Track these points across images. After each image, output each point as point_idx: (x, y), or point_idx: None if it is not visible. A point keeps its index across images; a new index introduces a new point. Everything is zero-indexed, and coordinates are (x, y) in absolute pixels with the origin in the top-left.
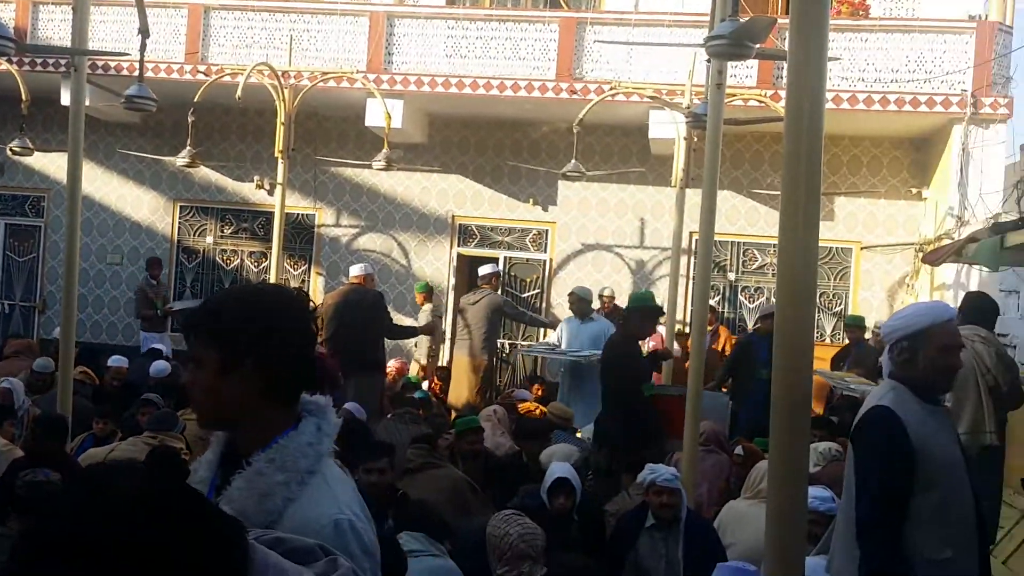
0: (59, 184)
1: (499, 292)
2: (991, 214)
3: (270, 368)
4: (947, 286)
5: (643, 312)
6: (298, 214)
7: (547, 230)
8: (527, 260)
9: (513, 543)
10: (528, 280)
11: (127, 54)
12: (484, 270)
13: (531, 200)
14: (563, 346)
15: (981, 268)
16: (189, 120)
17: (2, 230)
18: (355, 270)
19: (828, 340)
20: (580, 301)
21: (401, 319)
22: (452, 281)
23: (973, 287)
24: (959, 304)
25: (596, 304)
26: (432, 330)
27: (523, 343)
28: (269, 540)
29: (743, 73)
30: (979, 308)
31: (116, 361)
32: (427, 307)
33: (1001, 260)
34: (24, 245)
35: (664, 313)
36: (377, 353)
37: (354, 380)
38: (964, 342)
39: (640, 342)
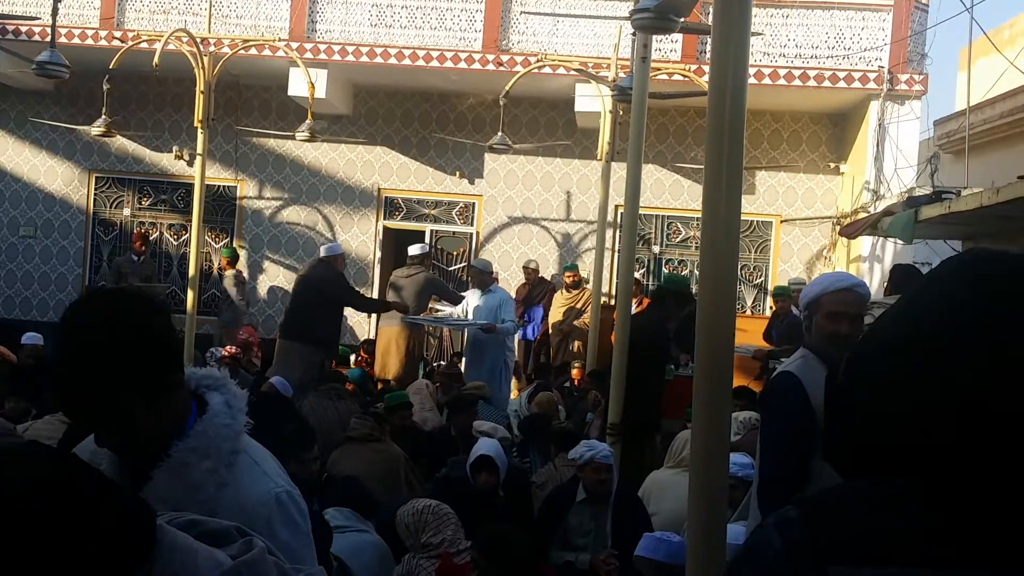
0: None
1: (430, 270)
2: (905, 188)
3: (162, 378)
4: (863, 258)
5: (678, 297)
6: (219, 186)
7: (473, 203)
8: (453, 233)
9: (434, 509)
10: (455, 253)
11: (38, 19)
12: (415, 250)
13: (457, 173)
14: (470, 318)
15: (896, 241)
16: (104, 88)
17: None
18: (323, 250)
19: (749, 312)
20: (480, 274)
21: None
22: (378, 254)
23: (888, 260)
24: (887, 276)
25: (503, 275)
26: (406, 308)
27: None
28: (182, 523)
29: (668, 47)
30: (908, 279)
31: (30, 339)
32: (230, 273)
33: (915, 233)
34: None
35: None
36: (326, 329)
37: (298, 351)
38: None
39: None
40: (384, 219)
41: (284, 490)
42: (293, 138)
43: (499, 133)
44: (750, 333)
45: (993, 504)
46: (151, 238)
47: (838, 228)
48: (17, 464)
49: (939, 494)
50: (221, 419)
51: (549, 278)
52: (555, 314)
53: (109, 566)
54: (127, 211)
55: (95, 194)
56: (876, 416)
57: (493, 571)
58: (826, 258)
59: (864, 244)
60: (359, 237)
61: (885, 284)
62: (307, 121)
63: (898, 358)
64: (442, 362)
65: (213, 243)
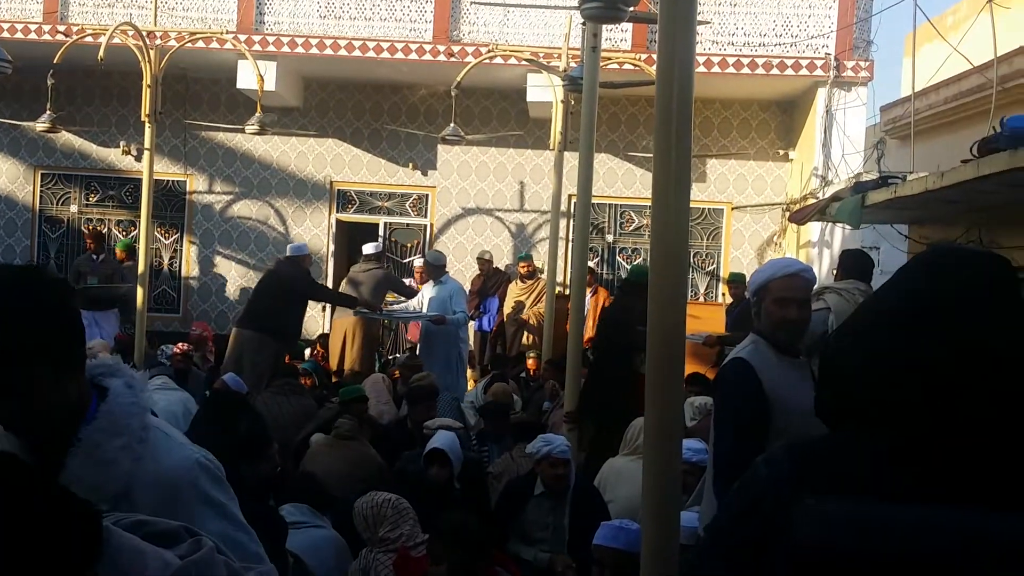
0: None
1: (385, 266)
2: (853, 174)
3: (67, 351)
4: (812, 244)
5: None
6: (168, 181)
7: (427, 195)
8: (407, 225)
9: (393, 503)
10: (409, 245)
11: None
12: (369, 249)
13: (410, 164)
14: (424, 311)
15: (844, 226)
16: (49, 83)
17: None
18: (290, 250)
19: (702, 298)
20: (430, 266)
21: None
22: (331, 248)
23: (837, 245)
24: (836, 261)
25: (458, 266)
26: (374, 307)
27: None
28: (129, 523)
29: (618, 37)
30: (857, 263)
31: None
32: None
33: (863, 218)
34: None
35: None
36: (287, 322)
37: (257, 340)
38: (846, 295)
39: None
40: (337, 212)
41: (201, 455)
42: (243, 131)
43: (452, 124)
44: (703, 320)
45: (945, 449)
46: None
47: (788, 214)
48: None
49: (903, 442)
50: (125, 399)
51: (504, 268)
52: (510, 304)
53: (56, 568)
54: (74, 208)
55: (41, 191)
56: (856, 381)
57: (451, 558)
58: (776, 244)
59: (813, 230)
60: (312, 230)
61: (835, 269)
62: (257, 114)
63: (873, 334)
64: (398, 355)
65: (163, 239)
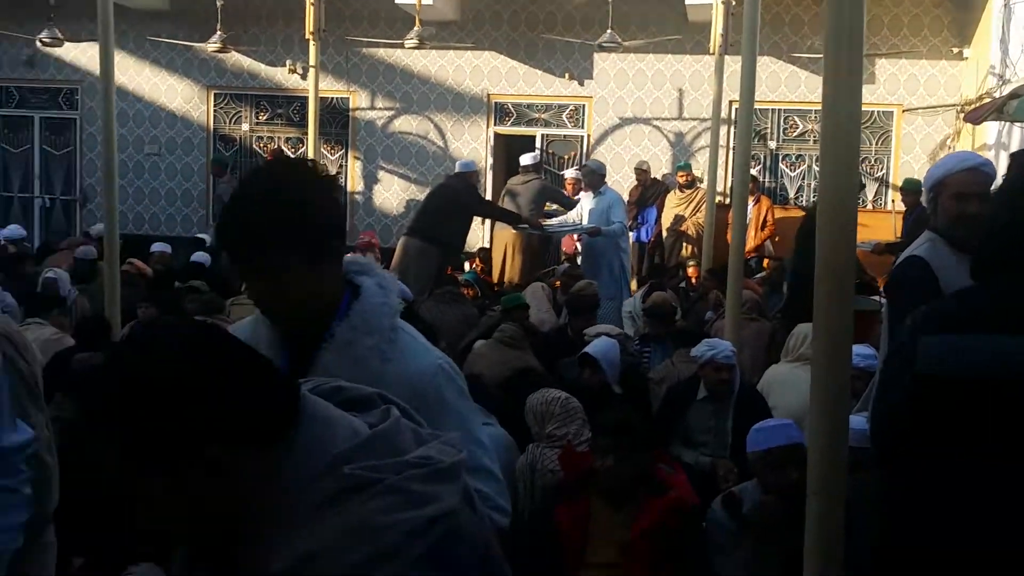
0: (91, 75)
1: (543, 177)
2: None
3: (321, 242)
4: (988, 146)
5: None
6: (332, 98)
7: (583, 105)
8: (564, 137)
9: (563, 402)
10: (566, 157)
11: None
12: (527, 159)
13: (567, 75)
14: (584, 222)
15: (1023, 125)
16: (218, 4)
17: (37, 124)
18: (459, 166)
19: (870, 206)
20: (592, 174)
21: None
22: (490, 161)
23: (1015, 145)
24: (1008, 164)
25: (615, 177)
26: (535, 224)
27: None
28: (327, 389)
29: None
30: None
31: (159, 247)
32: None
33: None
34: (60, 138)
35: None
36: (453, 233)
37: (422, 250)
38: None
39: None
40: (495, 125)
41: (445, 361)
42: (402, 46)
43: (608, 31)
44: (871, 228)
45: None
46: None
47: (962, 115)
48: (169, 332)
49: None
50: (377, 298)
51: (661, 178)
52: (668, 215)
53: (255, 433)
54: (246, 126)
55: (214, 110)
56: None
57: (617, 452)
58: (950, 148)
59: (990, 131)
60: (470, 144)
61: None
62: (415, 28)
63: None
64: (559, 265)
65: (329, 155)
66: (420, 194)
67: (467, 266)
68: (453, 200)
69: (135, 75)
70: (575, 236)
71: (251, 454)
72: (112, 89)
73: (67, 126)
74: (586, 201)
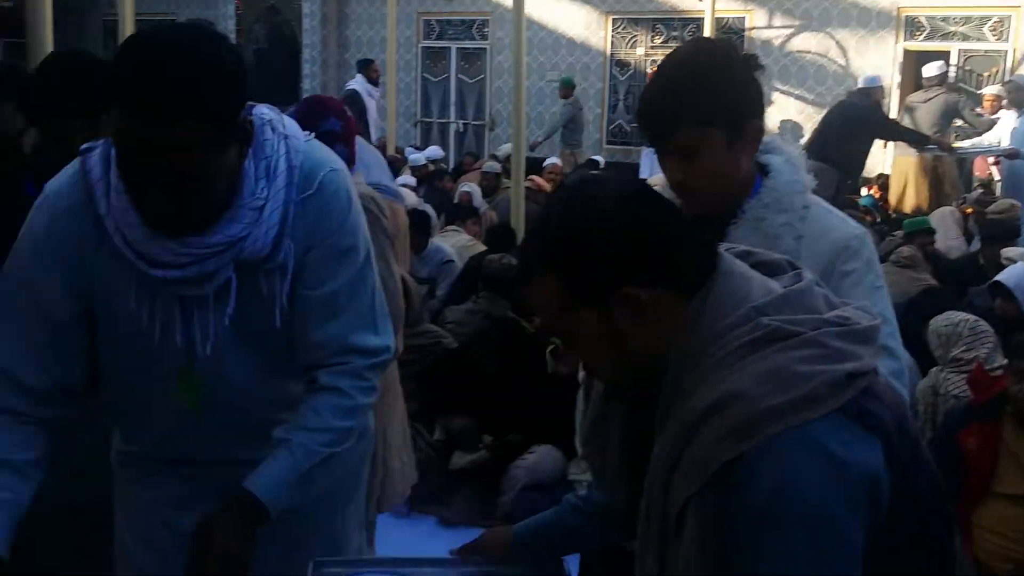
0: (500, 7)
1: (950, 93)
2: None
3: (740, 123)
4: None
5: None
6: (728, 18)
7: (1009, 16)
8: (984, 52)
9: (971, 324)
10: (985, 75)
11: None
12: (930, 70)
13: None
14: (1003, 145)
15: None
16: None
17: (454, 54)
18: (862, 81)
19: None
20: (1018, 90)
21: None
22: (898, 79)
23: None
24: None
25: None
26: (944, 144)
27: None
28: (739, 252)
29: None
30: None
31: (552, 161)
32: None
33: None
34: (473, 67)
35: None
36: (847, 153)
37: (816, 169)
38: None
39: None
40: (904, 40)
41: (862, 231)
42: None
43: None
44: None
45: None
46: None
47: None
48: (605, 185)
49: None
50: (787, 176)
51: None
52: None
53: (677, 279)
54: (641, 50)
55: (612, 35)
56: None
57: None
58: None
59: None
60: (875, 62)
61: None
62: None
63: None
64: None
65: None
66: (816, 116)
67: (863, 191)
68: (854, 118)
69: (539, 3)
70: (989, 159)
71: (672, 300)
72: (523, 18)
73: (479, 55)
74: (1008, 120)
